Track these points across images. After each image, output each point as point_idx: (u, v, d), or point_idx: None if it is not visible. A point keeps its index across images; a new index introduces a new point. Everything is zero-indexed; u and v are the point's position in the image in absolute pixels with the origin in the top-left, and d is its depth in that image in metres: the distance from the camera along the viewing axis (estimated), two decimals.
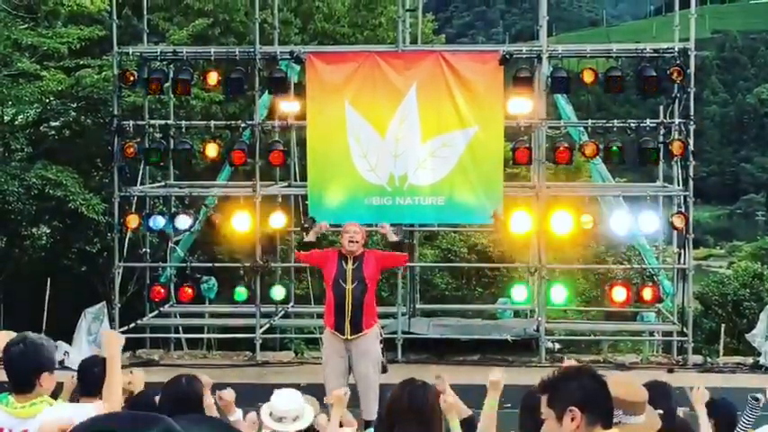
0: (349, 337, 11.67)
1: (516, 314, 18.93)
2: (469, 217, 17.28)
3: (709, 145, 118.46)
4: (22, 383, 5.34)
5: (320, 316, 16.91)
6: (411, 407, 5.76)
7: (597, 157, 16.55)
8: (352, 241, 11.61)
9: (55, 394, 5.97)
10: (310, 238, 12.97)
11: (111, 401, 5.51)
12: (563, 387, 4.37)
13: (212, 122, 17.93)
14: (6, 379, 5.44)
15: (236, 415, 7.66)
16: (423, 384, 6.02)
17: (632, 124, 16.70)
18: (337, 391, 7.66)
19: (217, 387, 7.93)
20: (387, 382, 10.61)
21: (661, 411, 5.38)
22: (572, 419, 4.24)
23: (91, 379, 6.60)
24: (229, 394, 7.68)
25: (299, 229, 17.80)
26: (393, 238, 12.12)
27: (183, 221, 17.01)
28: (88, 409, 5.29)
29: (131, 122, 17.18)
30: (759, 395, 7.70)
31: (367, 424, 11.16)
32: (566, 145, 16.40)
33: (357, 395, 11.57)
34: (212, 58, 17.00)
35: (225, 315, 18.54)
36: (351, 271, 11.60)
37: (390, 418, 5.82)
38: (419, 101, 16.05)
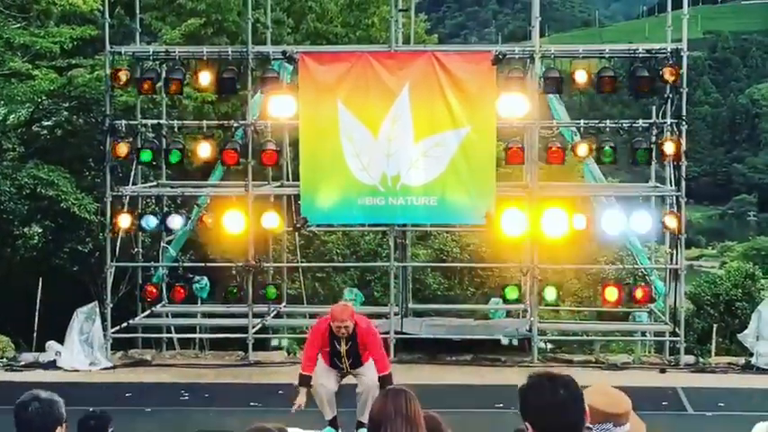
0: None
1: (509, 314, 18.93)
2: (462, 217, 17.27)
3: (702, 145, 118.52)
4: None
5: (312, 316, 16.95)
6: (397, 412, 5.76)
7: (590, 157, 16.57)
8: (343, 333, 11.06)
9: None
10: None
11: None
12: (523, 398, 4.31)
13: (205, 122, 17.91)
14: None
15: None
16: (402, 390, 5.98)
17: (625, 125, 16.72)
18: None
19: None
20: None
21: None
22: None
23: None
24: None
25: (291, 228, 17.79)
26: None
27: (176, 222, 17.03)
28: None
29: (123, 122, 17.17)
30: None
31: (360, 424, 11.15)
32: (558, 145, 16.41)
33: (352, 395, 11.55)
34: (205, 57, 16.97)
35: (217, 315, 18.51)
36: (345, 351, 11.22)
37: (377, 424, 5.81)
38: (412, 101, 16.05)
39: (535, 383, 4.31)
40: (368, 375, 11.46)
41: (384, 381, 11.04)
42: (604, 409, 4.84)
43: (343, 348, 11.21)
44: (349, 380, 11.66)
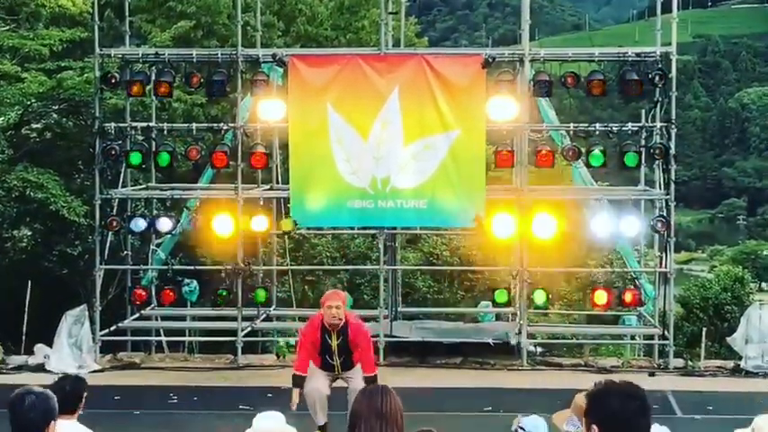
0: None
1: (498, 317, 18.93)
2: (451, 220, 17.28)
3: (691, 149, 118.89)
4: None
5: (302, 319, 16.90)
6: (371, 410, 5.70)
7: (579, 160, 16.58)
8: (334, 317, 11.18)
9: None
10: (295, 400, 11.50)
11: None
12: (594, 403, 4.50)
13: (194, 125, 17.88)
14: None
15: None
16: (383, 389, 5.94)
17: (614, 128, 16.72)
18: None
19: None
20: None
21: None
22: None
23: (63, 398, 6.76)
24: None
25: (281, 231, 17.77)
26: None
27: (165, 224, 16.99)
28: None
29: (113, 125, 17.12)
30: None
31: None
32: (548, 148, 16.41)
33: (343, 399, 11.53)
34: (194, 60, 16.96)
35: (206, 318, 18.48)
36: (336, 347, 11.27)
37: (353, 423, 5.77)
38: (402, 104, 16.04)
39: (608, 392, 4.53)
40: (358, 379, 11.45)
41: (369, 381, 11.06)
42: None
43: (334, 343, 11.27)
44: (340, 384, 11.64)
